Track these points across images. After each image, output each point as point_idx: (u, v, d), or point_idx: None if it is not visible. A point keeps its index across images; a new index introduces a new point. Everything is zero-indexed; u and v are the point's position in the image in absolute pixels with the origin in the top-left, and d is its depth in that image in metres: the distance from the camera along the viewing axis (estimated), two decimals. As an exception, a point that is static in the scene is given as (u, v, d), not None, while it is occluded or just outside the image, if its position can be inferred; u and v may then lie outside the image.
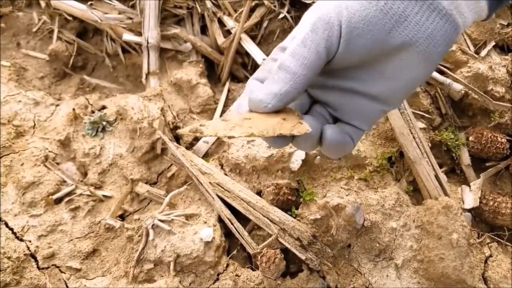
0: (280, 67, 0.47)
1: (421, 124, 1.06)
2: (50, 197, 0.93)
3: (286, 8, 1.22)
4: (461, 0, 0.45)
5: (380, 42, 0.45)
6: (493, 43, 1.19)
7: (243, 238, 0.88)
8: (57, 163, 1.00)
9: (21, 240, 0.88)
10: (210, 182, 0.93)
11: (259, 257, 0.85)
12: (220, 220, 0.91)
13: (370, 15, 0.45)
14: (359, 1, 0.45)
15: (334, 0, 0.47)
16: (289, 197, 0.93)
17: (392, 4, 0.44)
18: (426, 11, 0.44)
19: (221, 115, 1.13)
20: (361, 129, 0.52)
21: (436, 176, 1.00)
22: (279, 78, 0.47)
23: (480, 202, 1.02)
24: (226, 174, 0.97)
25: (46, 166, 0.97)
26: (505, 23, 1.21)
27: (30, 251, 0.87)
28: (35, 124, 1.05)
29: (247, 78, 1.25)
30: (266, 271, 0.84)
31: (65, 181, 0.96)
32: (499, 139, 1.07)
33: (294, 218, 0.90)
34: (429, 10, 0.44)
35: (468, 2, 0.46)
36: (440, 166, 1.08)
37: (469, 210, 1.01)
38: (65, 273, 0.87)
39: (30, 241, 0.88)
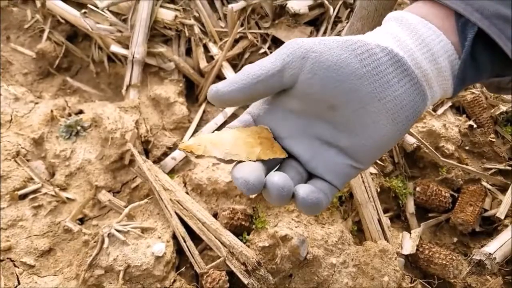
0: None
1: (372, 170, 1.11)
2: (16, 192, 0.94)
3: (267, 44, 1.28)
4: (432, 75, 0.46)
5: (348, 84, 0.45)
6: (449, 104, 1.27)
7: (193, 257, 0.91)
8: (28, 160, 1.01)
9: (-19, 230, 0.89)
10: (170, 199, 0.96)
11: (205, 277, 0.88)
12: (174, 236, 0.94)
13: (344, 56, 0.45)
14: (338, 43, 0.46)
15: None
16: (243, 223, 0.96)
17: (368, 56, 0.45)
18: (400, 75, 0.45)
19: (192, 135, 1.16)
20: (334, 185, 0.49)
21: (379, 221, 1.05)
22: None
23: (417, 249, 1.07)
24: (187, 193, 1.00)
25: (16, 162, 0.99)
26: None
27: (-13, 242, 0.89)
28: (12, 119, 1.06)
29: (222, 103, 1.29)
30: (210, 291, 0.87)
31: (32, 179, 0.98)
32: (443, 193, 1.14)
33: (245, 243, 0.94)
34: (402, 75, 0.45)
35: (437, 78, 0.47)
36: (387, 211, 1.14)
37: (406, 256, 1.07)
38: (18, 268, 0.88)
39: (-11, 233, 0.90)
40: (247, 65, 0.48)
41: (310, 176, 0.51)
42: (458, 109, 1.30)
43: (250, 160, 0.48)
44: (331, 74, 0.45)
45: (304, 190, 0.45)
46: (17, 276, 0.86)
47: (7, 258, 0.88)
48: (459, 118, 1.26)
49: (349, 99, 0.45)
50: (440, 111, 1.24)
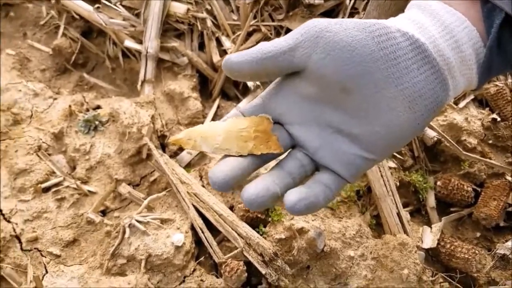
0: None
1: (392, 164, 1.21)
2: (39, 185, 1.08)
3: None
4: (455, 63, 0.47)
5: (363, 66, 0.45)
6: (472, 96, 1.34)
7: (211, 247, 1.03)
8: (49, 154, 1.14)
9: (9, 221, 1.03)
10: (187, 192, 1.09)
11: (223, 266, 1.00)
12: (192, 228, 1.06)
13: (360, 37, 0.45)
14: (355, 24, 0.46)
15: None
16: (259, 215, 1.08)
17: (387, 39, 0.46)
18: (420, 61, 0.46)
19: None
20: (342, 177, 0.49)
21: (398, 214, 1.14)
22: None
23: (438, 243, 1.14)
24: (203, 186, 1.12)
25: (38, 156, 1.12)
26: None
27: (15, 233, 1.02)
28: (32, 114, 1.20)
29: (237, 97, 1.41)
30: (228, 280, 0.99)
31: (54, 172, 1.11)
32: (465, 187, 1.21)
33: (261, 235, 1.05)
34: (422, 61, 0.46)
35: (460, 67, 0.47)
36: (406, 205, 1.23)
37: (427, 250, 1.14)
38: (45, 257, 1.01)
39: (16, 224, 1.03)
40: (262, 42, 0.50)
41: (317, 168, 0.52)
42: (481, 102, 1.37)
43: (241, 155, 0.49)
44: (345, 55, 0.45)
45: (290, 199, 0.45)
46: (45, 265, 1.00)
47: (35, 248, 1.02)
48: (482, 111, 1.33)
49: (364, 83, 0.46)
50: (462, 104, 1.31)
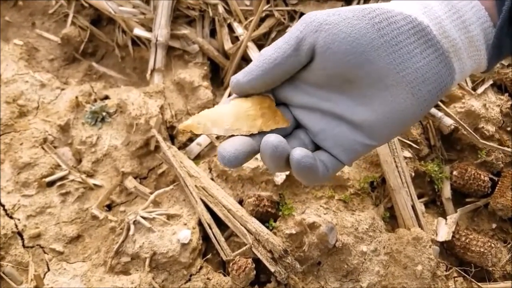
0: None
1: (407, 153, 1.09)
2: (43, 179, 0.97)
3: (295, 22, 1.25)
4: (461, 44, 0.44)
5: (364, 56, 0.43)
6: (491, 82, 1.21)
7: (219, 244, 0.92)
8: (55, 147, 1.04)
9: (11, 217, 0.93)
10: (196, 185, 0.97)
11: (231, 264, 0.89)
12: (200, 223, 0.95)
13: (360, 25, 0.43)
14: (354, 12, 0.44)
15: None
16: (269, 210, 0.96)
17: (387, 24, 0.43)
18: (423, 45, 0.43)
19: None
20: (340, 160, 0.48)
21: (413, 207, 1.03)
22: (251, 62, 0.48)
23: (453, 236, 1.04)
24: (212, 179, 1.01)
25: (43, 149, 1.02)
26: (506, 64, 1.23)
27: (17, 229, 0.92)
28: (38, 106, 1.09)
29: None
30: (236, 278, 0.88)
31: (59, 166, 1.01)
32: (482, 177, 1.10)
33: (271, 230, 0.94)
34: (425, 45, 0.43)
35: (468, 48, 0.45)
36: (421, 196, 1.11)
37: (441, 243, 1.05)
38: (48, 254, 0.91)
39: (19, 220, 0.93)
40: (264, 49, 0.48)
41: (317, 148, 0.51)
42: (500, 87, 1.24)
43: (252, 133, 0.49)
44: (345, 47, 0.43)
45: (299, 152, 0.44)
46: (47, 262, 0.90)
47: (37, 245, 0.92)
48: (501, 97, 1.20)
49: (365, 72, 0.44)
50: (480, 90, 1.18)
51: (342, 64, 0.44)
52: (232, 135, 0.48)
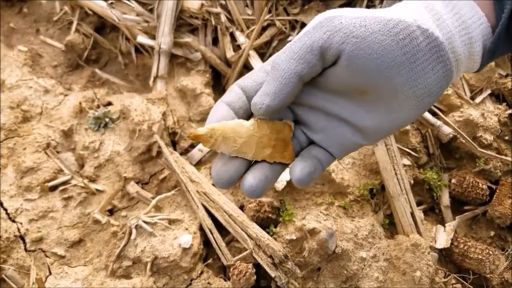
0: (272, 65, 0.46)
1: (406, 161, 1.09)
2: (46, 184, 0.98)
3: (296, 31, 1.26)
4: (463, 59, 0.45)
5: (386, 73, 0.43)
6: (489, 91, 1.22)
7: (219, 249, 0.92)
8: (58, 152, 1.04)
9: (13, 221, 0.93)
10: (197, 191, 0.98)
11: (231, 269, 0.89)
12: (201, 228, 0.95)
13: (386, 42, 0.42)
14: (380, 25, 0.43)
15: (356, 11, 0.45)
16: (269, 215, 0.97)
17: (409, 41, 0.43)
18: (435, 61, 0.44)
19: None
20: (334, 156, 0.50)
21: (412, 214, 1.03)
22: (271, 78, 0.45)
23: (452, 243, 1.05)
24: (213, 185, 1.01)
25: (46, 154, 1.02)
26: (504, 74, 1.24)
27: (20, 233, 0.92)
28: (42, 111, 1.09)
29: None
30: (236, 283, 0.88)
31: (62, 170, 1.01)
32: (480, 185, 1.10)
33: (272, 236, 0.94)
34: (437, 61, 0.44)
35: (466, 62, 0.46)
36: (420, 204, 1.12)
37: (440, 250, 1.05)
38: (49, 258, 0.91)
39: (21, 223, 0.93)
40: (277, 59, 0.45)
41: (310, 143, 0.52)
42: (498, 97, 1.25)
43: (255, 160, 0.48)
44: (370, 64, 0.43)
45: (300, 168, 0.47)
46: (49, 266, 0.90)
47: (39, 249, 0.92)
48: (499, 107, 1.21)
49: (382, 87, 0.44)
50: (478, 100, 1.19)
51: (362, 79, 0.44)
52: (236, 157, 0.47)
